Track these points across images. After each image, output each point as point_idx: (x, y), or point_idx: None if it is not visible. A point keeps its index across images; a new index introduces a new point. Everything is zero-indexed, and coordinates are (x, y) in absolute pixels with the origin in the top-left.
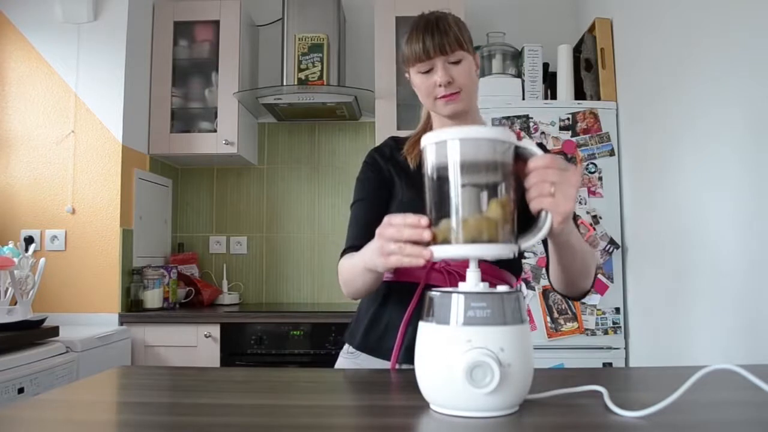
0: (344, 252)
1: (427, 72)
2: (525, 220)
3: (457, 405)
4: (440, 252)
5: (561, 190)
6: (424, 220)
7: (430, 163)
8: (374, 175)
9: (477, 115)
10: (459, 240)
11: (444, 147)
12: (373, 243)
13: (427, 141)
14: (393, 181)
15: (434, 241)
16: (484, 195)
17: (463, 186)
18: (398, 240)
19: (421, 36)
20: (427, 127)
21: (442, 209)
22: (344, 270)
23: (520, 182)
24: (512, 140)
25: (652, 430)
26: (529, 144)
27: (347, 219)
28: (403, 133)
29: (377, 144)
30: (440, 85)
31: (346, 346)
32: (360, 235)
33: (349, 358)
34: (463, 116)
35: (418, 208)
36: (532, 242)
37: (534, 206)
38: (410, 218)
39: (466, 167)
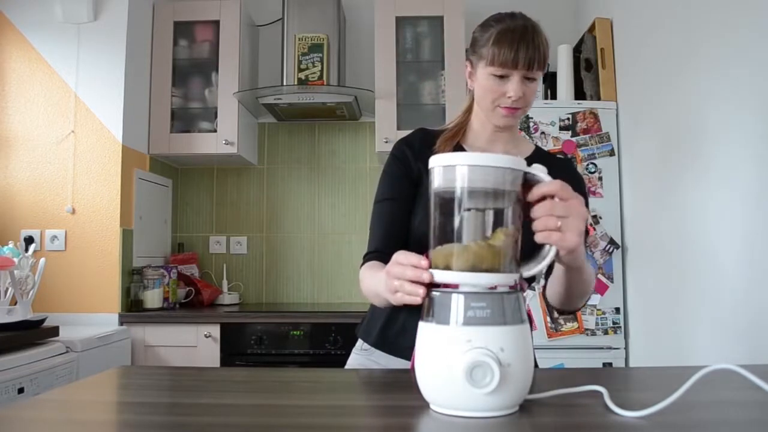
0: (366, 256)
1: (501, 77)
2: (529, 243)
3: (457, 405)
4: (439, 277)
5: (568, 224)
6: (424, 262)
7: (436, 184)
8: (402, 171)
9: (517, 130)
10: (459, 266)
11: (452, 171)
12: (383, 276)
13: (436, 163)
14: (421, 178)
15: (434, 265)
16: (489, 221)
17: (467, 210)
18: (401, 279)
19: (516, 44)
20: (466, 120)
21: (444, 232)
22: (365, 284)
23: (525, 206)
24: (522, 168)
25: (652, 430)
26: (536, 170)
27: (347, 219)
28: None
29: (377, 144)
30: (509, 97)
31: (359, 342)
32: (383, 238)
33: (362, 355)
34: (508, 129)
35: None
36: (533, 272)
37: (540, 239)
38: (412, 258)
39: (473, 193)
